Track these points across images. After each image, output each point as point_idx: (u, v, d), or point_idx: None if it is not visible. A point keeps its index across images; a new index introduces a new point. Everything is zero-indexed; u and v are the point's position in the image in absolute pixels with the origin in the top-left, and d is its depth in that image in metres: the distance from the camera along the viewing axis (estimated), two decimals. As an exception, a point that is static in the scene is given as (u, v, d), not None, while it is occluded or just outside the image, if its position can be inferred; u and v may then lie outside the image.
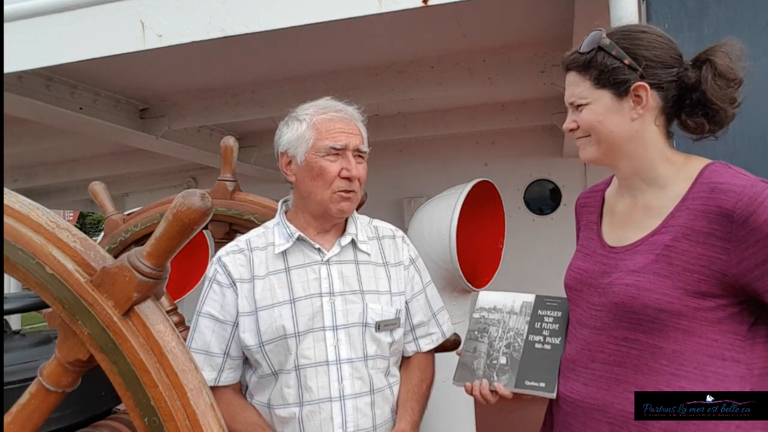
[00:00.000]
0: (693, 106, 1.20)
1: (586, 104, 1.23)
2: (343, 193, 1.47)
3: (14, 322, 5.08)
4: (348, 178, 1.47)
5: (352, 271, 1.52)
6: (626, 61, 1.18)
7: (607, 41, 1.20)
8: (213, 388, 1.47)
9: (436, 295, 1.68)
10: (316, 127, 1.49)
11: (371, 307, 1.49)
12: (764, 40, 1.61)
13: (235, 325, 1.48)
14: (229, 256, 1.51)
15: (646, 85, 1.18)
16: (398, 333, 1.55)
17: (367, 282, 1.52)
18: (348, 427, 1.43)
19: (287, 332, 1.44)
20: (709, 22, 1.67)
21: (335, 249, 1.52)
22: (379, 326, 1.49)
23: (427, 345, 1.62)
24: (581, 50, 1.23)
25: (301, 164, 1.49)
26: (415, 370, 1.60)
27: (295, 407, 1.43)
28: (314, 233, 1.54)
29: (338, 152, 1.47)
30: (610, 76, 1.19)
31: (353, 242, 1.55)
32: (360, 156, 1.51)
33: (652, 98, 1.19)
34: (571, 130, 1.27)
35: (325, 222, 1.54)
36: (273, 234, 1.54)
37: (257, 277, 1.49)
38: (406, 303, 1.58)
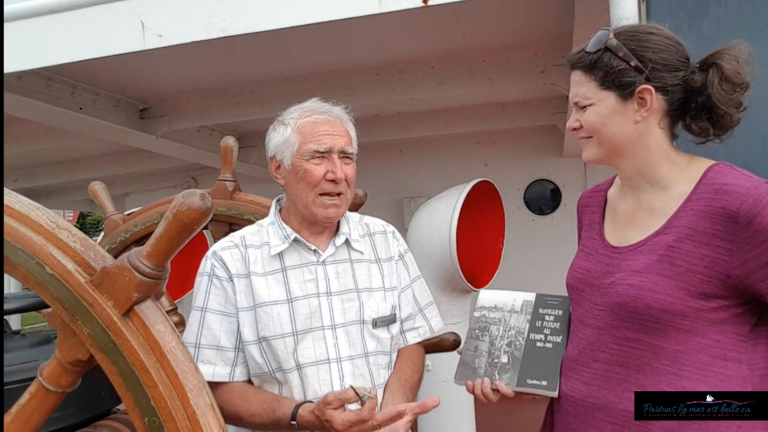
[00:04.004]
0: (698, 110, 1.19)
1: (590, 105, 1.22)
2: (326, 198, 1.47)
3: (14, 322, 5.08)
4: (333, 180, 1.47)
5: (347, 270, 1.53)
6: (632, 63, 1.16)
7: (614, 42, 1.18)
8: (225, 383, 1.47)
9: (424, 290, 1.68)
10: (301, 130, 1.49)
11: (367, 305, 1.50)
12: (764, 40, 1.60)
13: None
14: (226, 251, 1.51)
15: (651, 89, 1.16)
16: (395, 328, 1.55)
17: (362, 280, 1.53)
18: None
19: (285, 331, 1.44)
20: (709, 22, 1.66)
21: (330, 249, 1.53)
22: (375, 323, 1.50)
23: (413, 338, 1.63)
24: (588, 49, 1.22)
25: (288, 168, 1.50)
26: (407, 360, 1.60)
27: (296, 407, 1.43)
28: (308, 234, 1.54)
29: (323, 155, 1.47)
30: (616, 78, 1.18)
31: (347, 241, 1.56)
32: (347, 157, 1.51)
33: (656, 101, 1.18)
34: (575, 129, 1.26)
35: (316, 225, 1.54)
36: (267, 233, 1.54)
37: (253, 273, 1.48)
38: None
